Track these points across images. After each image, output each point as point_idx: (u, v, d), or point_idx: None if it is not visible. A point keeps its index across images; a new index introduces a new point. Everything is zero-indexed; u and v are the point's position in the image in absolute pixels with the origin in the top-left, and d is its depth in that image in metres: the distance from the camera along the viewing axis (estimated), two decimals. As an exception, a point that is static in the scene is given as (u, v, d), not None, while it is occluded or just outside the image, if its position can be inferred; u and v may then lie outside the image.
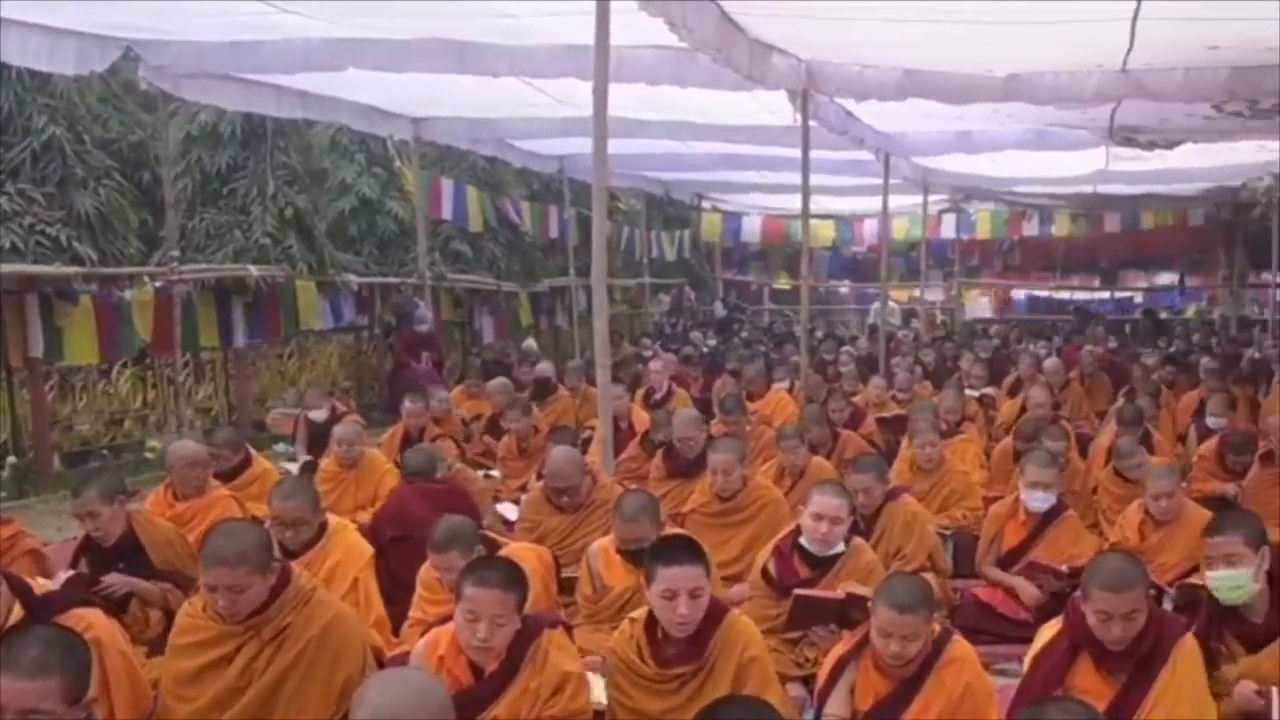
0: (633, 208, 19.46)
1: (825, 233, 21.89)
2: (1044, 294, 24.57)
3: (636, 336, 17.64)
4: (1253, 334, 17.86)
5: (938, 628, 3.80)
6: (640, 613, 3.95)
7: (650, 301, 20.18)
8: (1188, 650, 3.60)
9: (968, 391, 9.91)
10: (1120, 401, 9.44)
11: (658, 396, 10.07)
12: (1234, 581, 3.95)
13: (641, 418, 8.63)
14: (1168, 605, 5.18)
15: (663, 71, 7.87)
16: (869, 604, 3.78)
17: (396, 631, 4.77)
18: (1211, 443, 7.75)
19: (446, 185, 14.21)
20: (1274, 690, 3.79)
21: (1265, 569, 3.98)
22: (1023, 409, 9.21)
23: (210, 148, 12.58)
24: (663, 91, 8.53)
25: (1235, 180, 16.00)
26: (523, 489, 7.38)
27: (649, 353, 13.88)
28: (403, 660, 3.96)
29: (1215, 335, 17.65)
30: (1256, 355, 14.00)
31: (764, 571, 4.98)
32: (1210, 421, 8.55)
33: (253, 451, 6.91)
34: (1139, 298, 24.27)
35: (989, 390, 10.78)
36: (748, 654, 3.83)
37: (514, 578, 3.59)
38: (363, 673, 3.73)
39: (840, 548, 4.88)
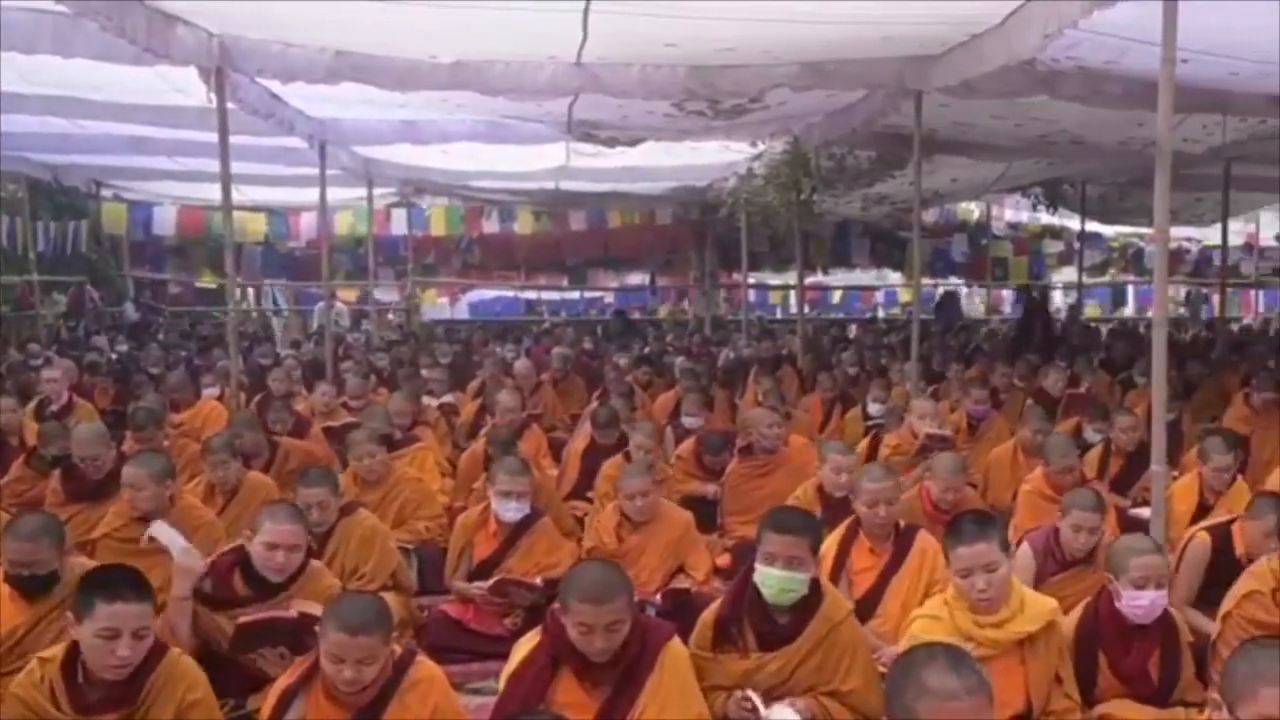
0: (13, 194, 18.50)
1: (256, 226, 21.73)
2: (510, 294, 26.06)
3: (24, 341, 16.86)
4: (728, 334, 20.03)
5: (399, 649, 3.95)
6: (53, 651, 3.88)
7: (44, 302, 19.30)
8: (674, 656, 4.00)
9: (427, 400, 10.40)
10: (594, 404, 10.34)
11: (54, 408, 9.79)
12: (790, 584, 4.38)
13: (35, 432, 8.33)
14: (651, 613, 5.68)
15: (39, 39, 7.59)
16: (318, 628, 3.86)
17: None
18: (689, 443, 8.64)
19: None
20: (754, 695, 4.30)
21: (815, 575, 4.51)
22: (481, 411, 9.85)
23: None
24: (42, 62, 8.26)
25: (701, 180, 17.79)
26: None
27: (38, 360, 13.40)
28: None
29: (691, 335, 19.56)
30: (732, 355, 15.78)
31: (196, 591, 5.01)
32: (686, 421, 9.50)
33: None
34: (610, 297, 26.36)
35: (449, 397, 11.36)
36: (190, 697, 3.89)
37: None
38: None
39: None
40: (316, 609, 4.61)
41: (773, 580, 4.39)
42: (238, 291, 11.73)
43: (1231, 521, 5.84)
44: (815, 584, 4.53)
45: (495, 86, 8.85)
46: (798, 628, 4.45)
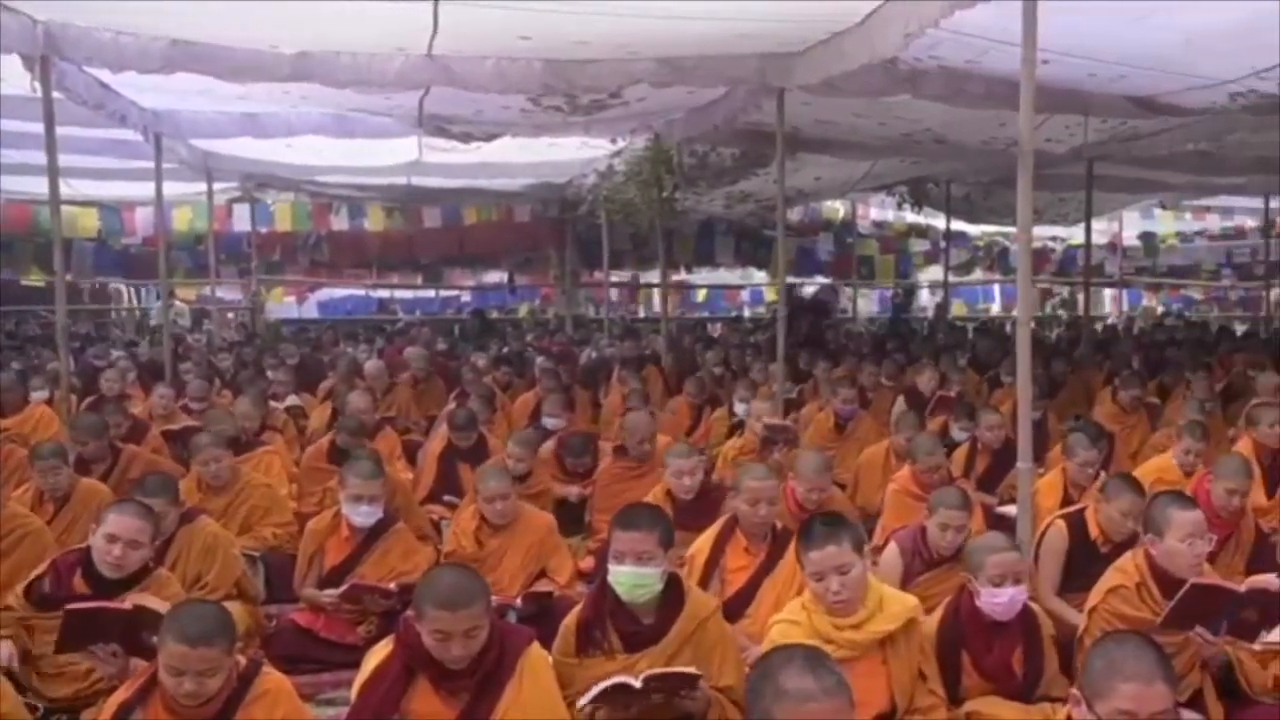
0: None
1: (88, 222, 21.32)
2: (361, 292, 25.94)
3: None
4: (590, 333, 20.19)
5: (243, 660, 3.95)
6: None
7: None
8: (534, 662, 4.02)
9: (273, 404, 10.30)
10: (451, 405, 10.38)
11: None
12: (641, 580, 4.45)
13: None
14: (512, 618, 5.81)
15: None
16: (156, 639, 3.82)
17: None
18: (550, 444, 8.76)
19: None
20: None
21: (668, 571, 4.58)
22: (334, 415, 9.78)
23: None
24: None
25: (560, 177, 17.93)
26: None
27: None
28: None
29: (551, 335, 19.72)
30: (594, 354, 15.99)
31: (29, 589, 5.00)
32: (547, 422, 9.59)
33: None
34: (467, 296, 26.39)
35: (295, 399, 11.32)
36: None
37: None
38: None
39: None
40: (154, 602, 4.62)
41: (624, 577, 4.47)
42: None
43: (1084, 508, 6.11)
44: (676, 581, 4.61)
45: (341, 79, 8.81)
46: (663, 627, 4.52)
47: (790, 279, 20.66)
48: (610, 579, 4.51)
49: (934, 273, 25.78)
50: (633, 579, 4.47)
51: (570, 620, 4.64)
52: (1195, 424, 7.74)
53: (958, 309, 26.55)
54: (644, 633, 4.53)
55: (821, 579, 4.41)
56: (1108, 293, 28.14)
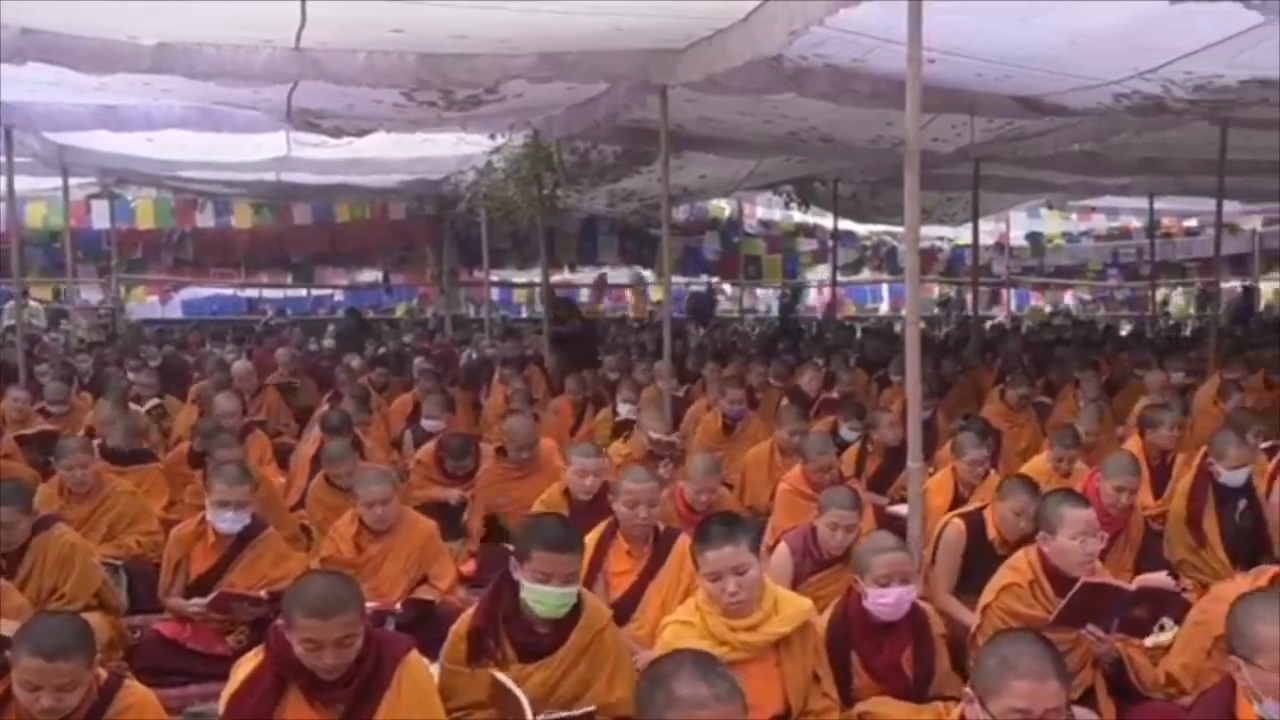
0: None
1: (-68, 218, 21.13)
2: (229, 291, 25.64)
3: None
4: (470, 333, 20.29)
5: (104, 673, 3.90)
6: None
7: None
8: (413, 670, 4.00)
9: (134, 406, 10.15)
10: (325, 407, 10.35)
11: None
12: (566, 600, 4.51)
13: None
14: (392, 625, 5.78)
15: None
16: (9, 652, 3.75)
17: None
18: (430, 447, 8.74)
19: None
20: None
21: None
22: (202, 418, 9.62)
23: None
24: None
25: (436, 173, 17.82)
26: None
27: None
28: None
29: (430, 335, 19.78)
30: (474, 355, 16.07)
31: None
32: (426, 424, 9.59)
33: None
34: (340, 295, 26.30)
35: (158, 401, 11.15)
36: None
37: None
38: None
39: None
40: (6, 627, 4.51)
41: (550, 598, 4.48)
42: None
43: (983, 508, 6.25)
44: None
45: (204, 71, 8.63)
46: (560, 637, 4.55)
47: (676, 278, 20.80)
48: (530, 596, 4.51)
49: (821, 272, 26.11)
50: (559, 599, 4.51)
51: (460, 628, 4.64)
52: (1067, 431, 7.91)
53: (846, 308, 26.90)
54: (539, 642, 4.56)
55: (718, 579, 4.44)
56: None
